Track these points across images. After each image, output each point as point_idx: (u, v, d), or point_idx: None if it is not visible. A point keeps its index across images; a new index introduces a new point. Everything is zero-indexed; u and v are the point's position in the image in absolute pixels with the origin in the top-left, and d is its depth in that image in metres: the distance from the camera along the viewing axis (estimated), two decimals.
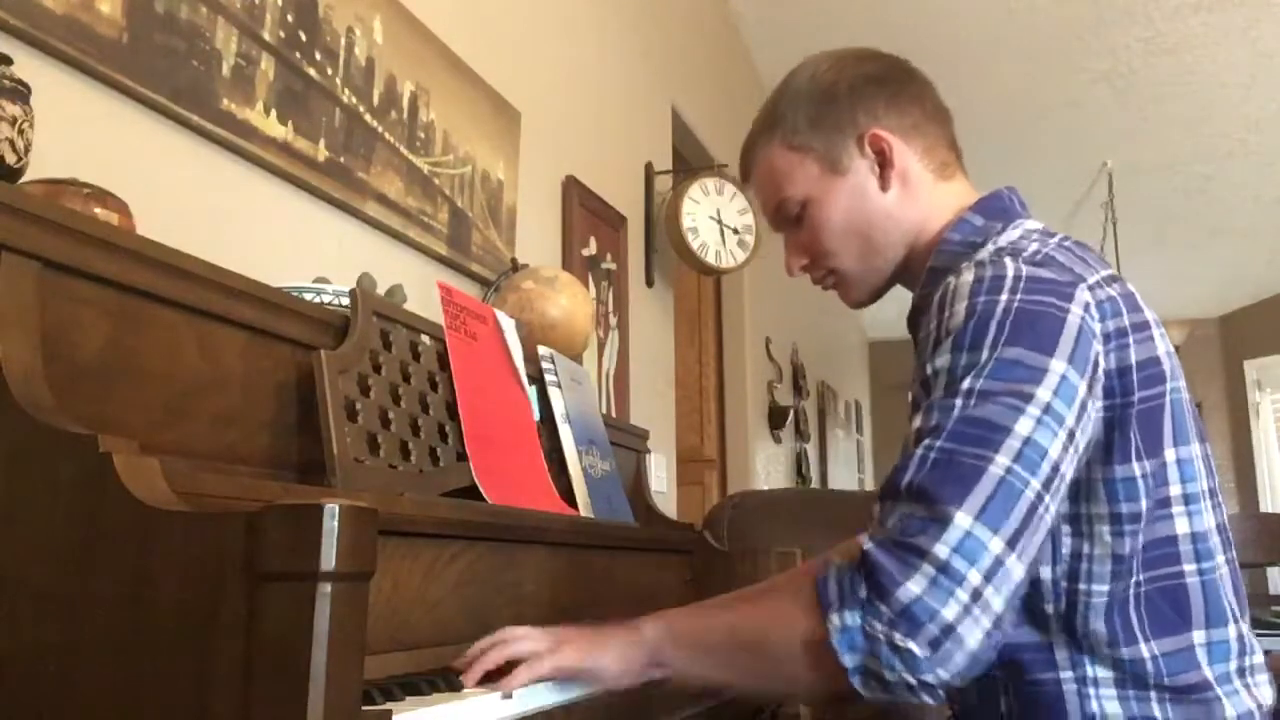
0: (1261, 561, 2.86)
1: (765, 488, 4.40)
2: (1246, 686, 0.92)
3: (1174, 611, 0.91)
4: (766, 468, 4.60)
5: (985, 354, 0.86)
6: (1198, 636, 0.91)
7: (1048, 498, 0.84)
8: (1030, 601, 0.92)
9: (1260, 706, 0.92)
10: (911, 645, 0.79)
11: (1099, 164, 5.67)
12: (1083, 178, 5.84)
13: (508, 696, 0.87)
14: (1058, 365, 0.86)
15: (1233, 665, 0.92)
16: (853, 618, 0.81)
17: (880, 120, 1.07)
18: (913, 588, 0.79)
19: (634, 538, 1.57)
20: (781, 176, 1.12)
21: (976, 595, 0.79)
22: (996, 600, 0.80)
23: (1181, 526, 0.92)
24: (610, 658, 0.94)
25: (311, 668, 0.59)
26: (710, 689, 1.00)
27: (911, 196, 1.08)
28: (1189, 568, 0.92)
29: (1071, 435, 0.86)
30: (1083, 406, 0.87)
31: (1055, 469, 0.84)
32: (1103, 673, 0.90)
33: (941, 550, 0.79)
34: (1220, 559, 0.94)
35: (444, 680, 0.86)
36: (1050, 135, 5.35)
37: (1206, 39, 4.46)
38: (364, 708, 0.67)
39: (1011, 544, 0.81)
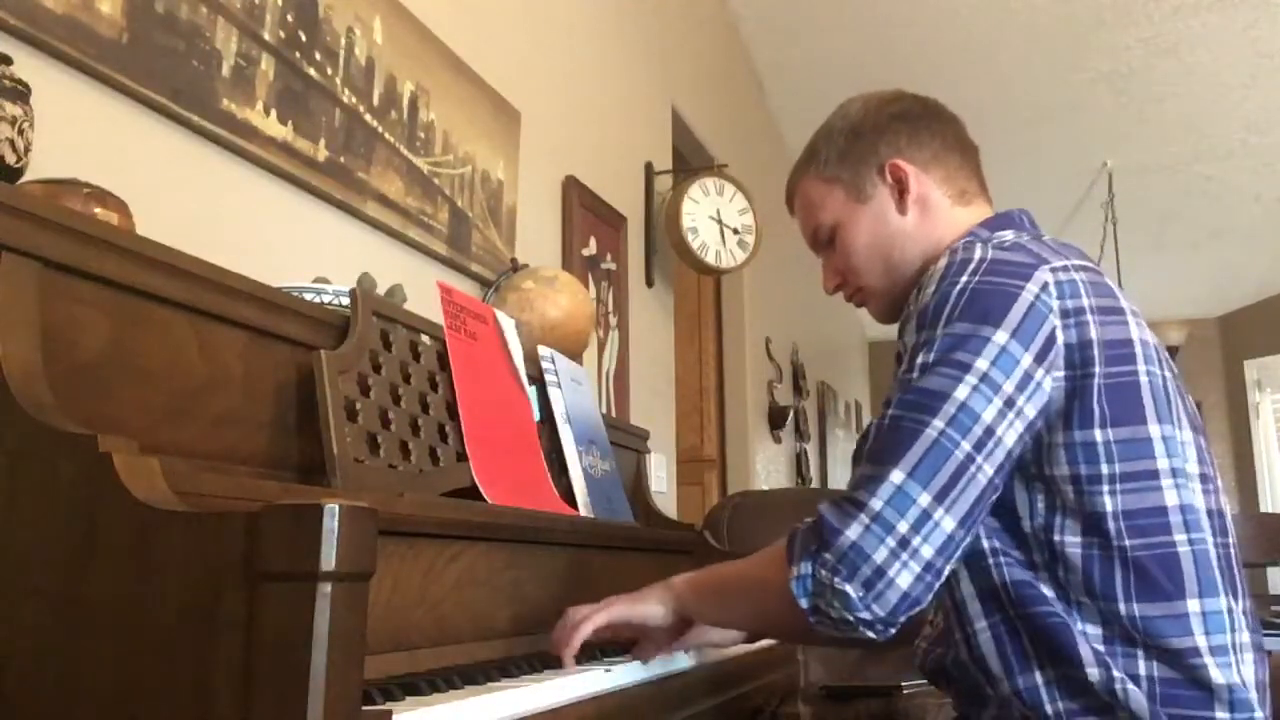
0: (1262, 561, 2.86)
1: (765, 488, 4.40)
2: (1237, 662, 0.95)
3: (1168, 579, 0.95)
4: (766, 468, 4.60)
5: (939, 330, 0.98)
6: (1192, 605, 0.95)
7: (979, 458, 0.94)
8: (1023, 553, 0.99)
9: (1245, 683, 0.95)
10: (847, 587, 0.91)
11: (1099, 164, 5.67)
12: (1083, 178, 5.84)
13: (605, 664, 1.02)
14: (1000, 337, 0.95)
15: (1228, 639, 0.95)
16: (806, 566, 0.95)
17: (901, 152, 1.18)
18: (850, 535, 0.92)
19: (634, 538, 1.57)
20: (815, 205, 1.24)
21: (905, 543, 0.91)
22: (926, 548, 0.91)
23: (1171, 499, 0.97)
24: (652, 603, 1.12)
25: (311, 668, 0.59)
26: (725, 626, 1.19)
27: (930, 220, 1.17)
28: (1180, 538, 0.97)
29: (1010, 402, 0.95)
30: (1027, 376, 0.96)
31: (989, 432, 0.94)
32: (1091, 628, 0.96)
33: (875, 503, 0.92)
34: (1210, 538, 0.98)
35: (444, 680, 0.86)
36: (1050, 135, 5.35)
37: (1206, 39, 4.46)
38: (364, 708, 0.67)
39: (940, 498, 0.92)
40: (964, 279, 0.99)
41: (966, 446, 0.93)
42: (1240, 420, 8.37)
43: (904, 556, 0.90)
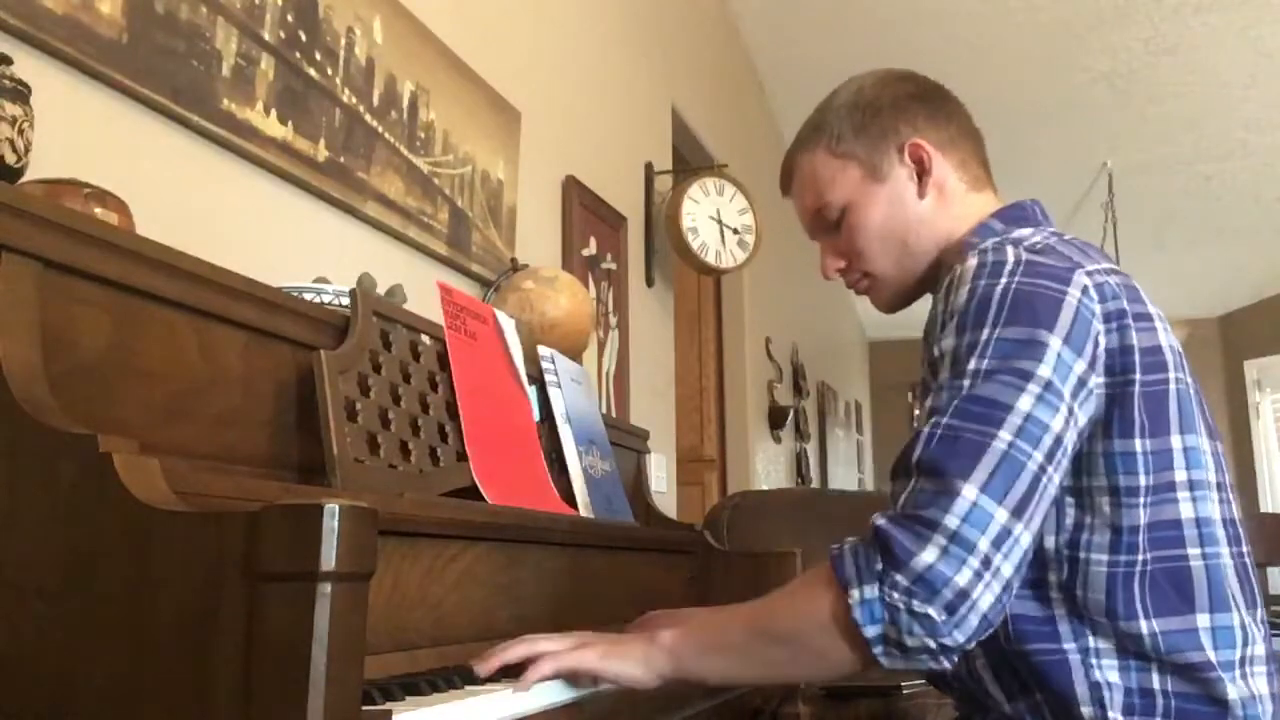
0: (1261, 561, 2.87)
1: (765, 488, 4.40)
2: (1245, 675, 0.94)
3: (1177, 593, 0.93)
4: (766, 468, 4.60)
5: (986, 333, 0.92)
6: (1201, 620, 0.93)
7: (1050, 469, 0.89)
8: (1034, 573, 0.95)
9: (1258, 696, 0.94)
10: (930, 610, 0.83)
11: (1099, 164, 5.67)
12: (1083, 178, 5.84)
13: (522, 689, 0.90)
14: (1055, 343, 0.91)
15: (1237, 654, 0.94)
16: (871, 590, 0.85)
17: (920, 132, 1.13)
18: (926, 557, 0.84)
19: (634, 538, 1.57)
20: (823, 182, 1.16)
21: (987, 562, 0.84)
22: (1006, 566, 0.85)
23: (1186, 511, 0.95)
24: (631, 661, 0.97)
25: (311, 668, 0.59)
26: (729, 685, 1.04)
27: (945, 205, 1.13)
28: (1193, 551, 0.94)
29: (1071, 410, 0.90)
30: (1080, 382, 0.92)
31: (1057, 441, 0.89)
32: (1104, 644, 0.94)
33: (951, 521, 0.84)
34: (1225, 549, 0.96)
35: (444, 680, 0.86)
36: (1050, 135, 5.35)
37: (1206, 39, 4.46)
38: (364, 708, 0.67)
39: (1017, 513, 0.86)
40: (1004, 279, 0.94)
41: (1039, 457, 0.87)
42: (1240, 420, 8.37)
43: (987, 577, 0.84)
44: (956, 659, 0.87)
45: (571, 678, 0.96)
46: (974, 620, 0.84)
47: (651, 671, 0.97)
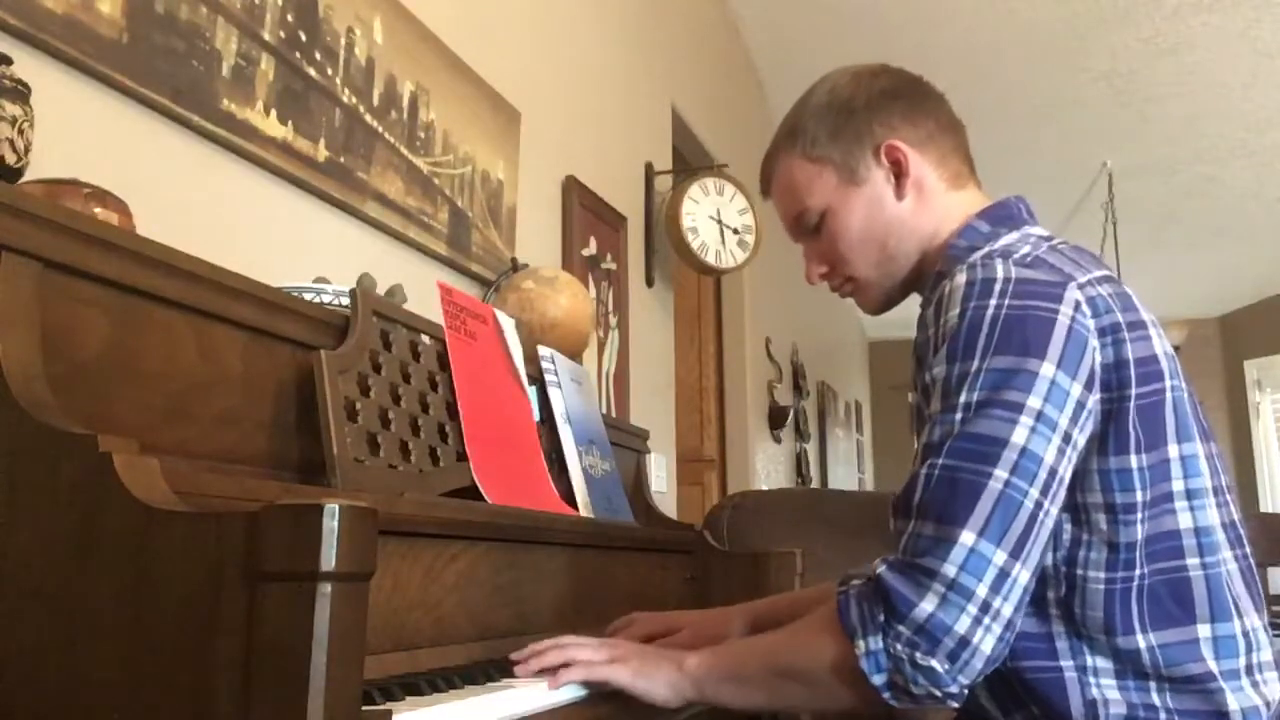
0: (1262, 561, 2.87)
1: (765, 488, 4.39)
2: (1255, 684, 0.93)
3: (1177, 605, 0.92)
4: (766, 468, 4.60)
5: (976, 363, 0.90)
6: (1202, 630, 0.92)
7: (1046, 503, 0.88)
8: (1034, 589, 0.94)
9: (1267, 703, 0.93)
10: (932, 662, 0.85)
11: (1099, 164, 5.67)
12: (1083, 178, 5.84)
13: (552, 688, 0.95)
14: (1047, 369, 0.89)
15: (1241, 662, 0.93)
16: (875, 641, 0.87)
17: (896, 132, 1.11)
18: (926, 607, 0.85)
19: (634, 538, 1.57)
20: (801, 187, 1.15)
21: (986, 607, 0.85)
22: (1006, 608, 0.86)
23: (1185, 521, 0.94)
24: (659, 683, 1.00)
25: (311, 668, 0.59)
26: (754, 710, 1.06)
27: (926, 205, 1.11)
28: (1192, 561, 0.93)
29: (1067, 437, 0.89)
30: (1079, 406, 0.90)
31: (1052, 474, 0.89)
32: (1101, 662, 0.93)
33: (949, 569, 0.85)
34: (1227, 555, 0.95)
35: (444, 680, 0.86)
36: (1050, 135, 5.35)
37: (1206, 39, 4.46)
38: (364, 708, 0.67)
39: (1015, 554, 0.86)
40: (993, 302, 0.92)
41: (1035, 494, 0.87)
42: (1240, 420, 8.37)
43: (986, 621, 0.85)
44: (965, 693, 0.88)
45: (598, 687, 0.99)
46: (978, 664, 0.85)
47: (677, 694, 1.00)
